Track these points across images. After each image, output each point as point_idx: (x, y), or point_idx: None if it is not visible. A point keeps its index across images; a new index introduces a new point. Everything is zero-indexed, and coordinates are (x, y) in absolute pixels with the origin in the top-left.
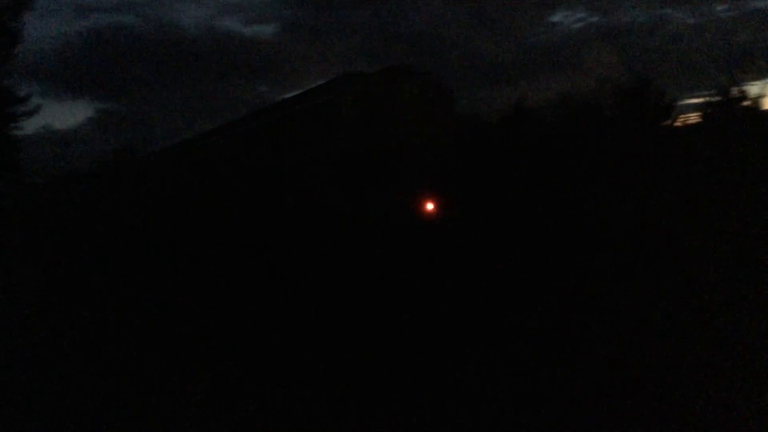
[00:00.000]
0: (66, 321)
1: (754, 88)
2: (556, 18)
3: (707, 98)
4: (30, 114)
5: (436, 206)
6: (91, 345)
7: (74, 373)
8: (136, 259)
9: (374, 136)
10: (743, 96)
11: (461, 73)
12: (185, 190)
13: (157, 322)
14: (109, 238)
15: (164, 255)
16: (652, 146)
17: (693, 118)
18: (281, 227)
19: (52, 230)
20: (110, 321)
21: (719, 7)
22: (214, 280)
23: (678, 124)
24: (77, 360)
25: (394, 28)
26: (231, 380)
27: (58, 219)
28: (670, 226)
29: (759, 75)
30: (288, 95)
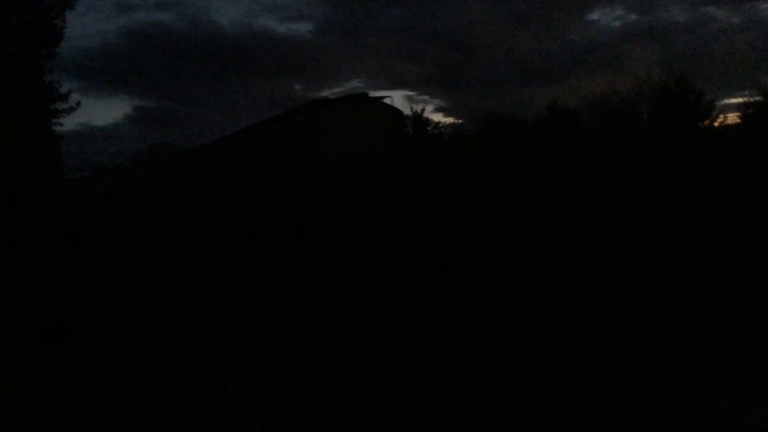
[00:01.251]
0: (102, 310)
1: None
2: (595, 16)
3: (748, 98)
4: (70, 111)
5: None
6: (126, 335)
7: (110, 363)
8: (168, 252)
9: (338, 148)
10: None
11: (498, 72)
12: (199, 189)
13: (189, 314)
14: (142, 230)
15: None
16: (690, 147)
17: (733, 118)
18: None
19: (92, 223)
20: (143, 311)
21: (763, 5)
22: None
23: (717, 124)
24: (115, 349)
25: (429, 27)
26: (264, 375)
27: (96, 212)
28: (710, 226)
29: None
30: (271, 116)
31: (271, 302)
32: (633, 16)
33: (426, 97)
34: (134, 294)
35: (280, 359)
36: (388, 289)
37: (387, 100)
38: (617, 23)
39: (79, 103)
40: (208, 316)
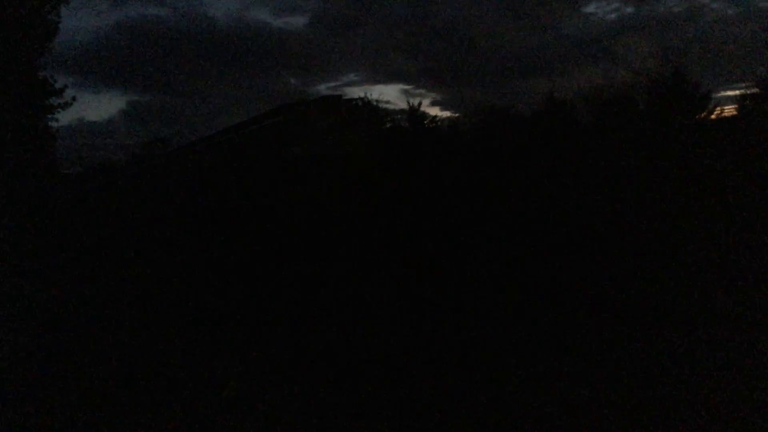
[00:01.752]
0: (93, 310)
1: None
2: (590, 9)
3: (745, 90)
4: (65, 106)
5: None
6: (120, 334)
7: (102, 360)
8: (157, 249)
9: (311, 148)
10: None
11: (494, 66)
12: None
13: (184, 312)
14: (134, 226)
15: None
16: (686, 139)
17: (729, 110)
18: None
19: (84, 218)
20: (137, 311)
21: None
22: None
23: (714, 116)
24: (106, 348)
25: (426, 20)
26: (260, 375)
27: (91, 208)
28: (706, 222)
29: None
30: (250, 117)
31: (263, 297)
32: (629, 9)
33: (422, 91)
34: (127, 289)
35: (278, 356)
36: (375, 288)
37: (359, 101)
38: (613, 15)
39: (74, 99)
40: (202, 311)
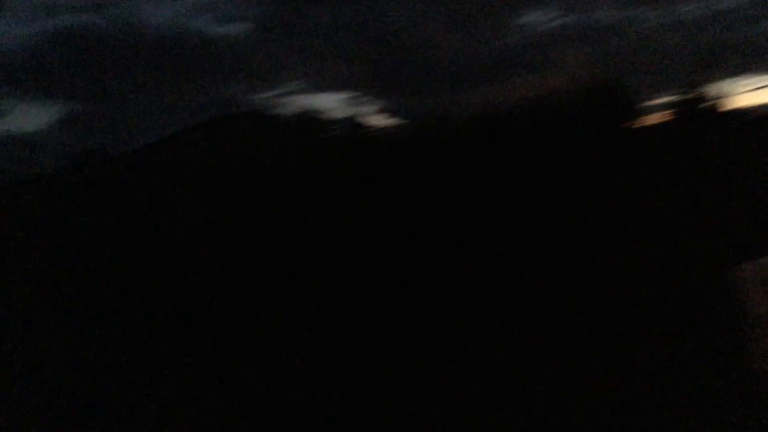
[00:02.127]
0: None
1: (720, 88)
2: (531, 18)
3: (674, 98)
4: None
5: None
6: (83, 353)
7: (68, 377)
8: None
9: (256, 158)
10: (708, 96)
11: (438, 74)
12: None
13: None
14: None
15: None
16: (619, 147)
17: (659, 117)
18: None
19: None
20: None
21: (685, 8)
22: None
23: (645, 123)
24: (69, 366)
25: (370, 28)
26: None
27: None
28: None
29: (726, 75)
30: (180, 129)
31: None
32: (567, 18)
33: (370, 98)
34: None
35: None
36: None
37: (298, 111)
38: (552, 24)
39: (7, 110)
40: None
